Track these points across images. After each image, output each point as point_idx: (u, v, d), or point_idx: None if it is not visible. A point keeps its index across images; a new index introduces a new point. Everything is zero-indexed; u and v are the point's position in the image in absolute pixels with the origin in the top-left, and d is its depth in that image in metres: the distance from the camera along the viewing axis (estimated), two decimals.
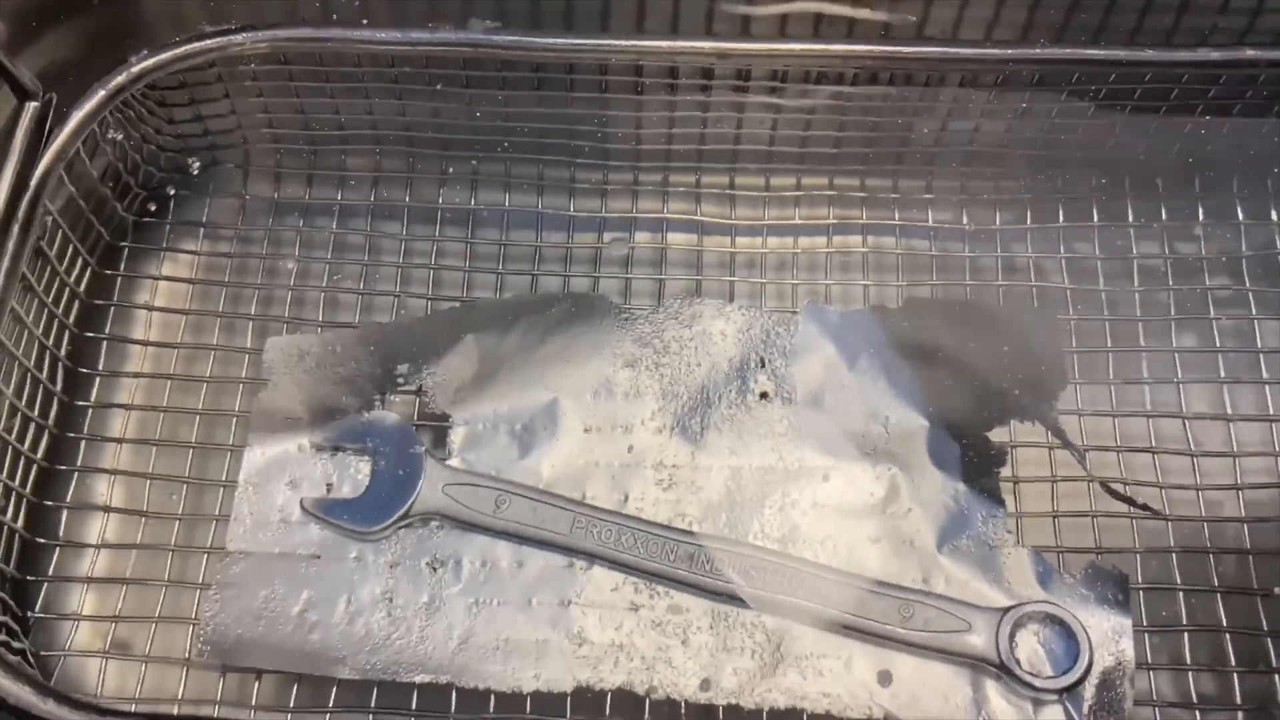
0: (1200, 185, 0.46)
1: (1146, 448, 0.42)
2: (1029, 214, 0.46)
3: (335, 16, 0.42)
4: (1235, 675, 0.39)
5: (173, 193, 0.46)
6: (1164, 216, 0.46)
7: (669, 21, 0.42)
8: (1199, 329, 0.44)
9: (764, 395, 0.43)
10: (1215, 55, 0.42)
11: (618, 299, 0.45)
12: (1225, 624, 0.39)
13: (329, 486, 0.41)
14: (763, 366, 0.43)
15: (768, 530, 0.41)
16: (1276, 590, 0.39)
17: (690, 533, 0.40)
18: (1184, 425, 0.42)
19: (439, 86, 0.44)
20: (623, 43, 0.41)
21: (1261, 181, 0.45)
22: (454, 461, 0.41)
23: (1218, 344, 0.44)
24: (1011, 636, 0.38)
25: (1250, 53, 0.42)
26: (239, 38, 0.40)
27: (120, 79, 0.40)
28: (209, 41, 0.40)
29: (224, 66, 0.42)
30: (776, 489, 0.41)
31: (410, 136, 0.47)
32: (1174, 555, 0.41)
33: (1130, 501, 0.41)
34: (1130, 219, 0.46)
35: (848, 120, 0.46)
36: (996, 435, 0.42)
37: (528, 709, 0.38)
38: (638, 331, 0.44)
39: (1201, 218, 0.46)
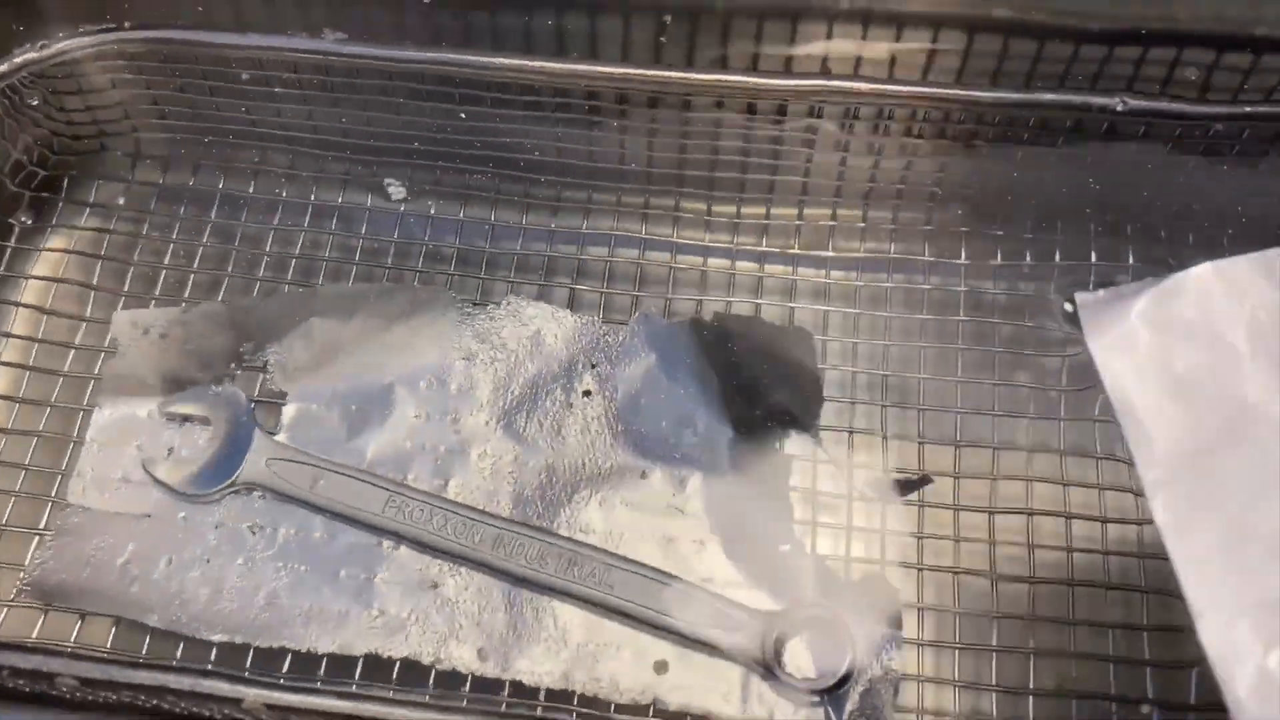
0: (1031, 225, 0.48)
1: (948, 472, 0.44)
2: (862, 243, 0.49)
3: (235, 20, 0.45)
4: (994, 694, 0.40)
5: (64, 174, 0.50)
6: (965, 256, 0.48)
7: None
8: (990, 361, 0.46)
9: (587, 394, 0.45)
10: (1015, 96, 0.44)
11: (462, 295, 0.48)
12: (995, 644, 0.41)
13: (170, 451, 0.44)
14: (590, 369, 0.46)
15: (574, 521, 0.43)
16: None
17: (496, 516, 0.42)
18: (992, 454, 0.44)
19: (308, 91, 0.47)
20: (454, 56, 0.45)
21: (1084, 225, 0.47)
22: (281, 437, 0.44)
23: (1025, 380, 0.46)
24: (781, 638, 0.40)
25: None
26: (112, 36, 0.44)
27: (3, 67, 0.44)
28: (86, 39, 0.44)
29: (105, 61, 0.45)
30: (588, 484, 0.44)
31: (289, 135, 0.50)
32: (957, 576, 0.42)
33: (922, 482, 0.44)
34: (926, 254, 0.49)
35: (690, 145, 0.48)
36: (790, 446, 0.44)
37: (321, 671, 0.40)
38: (477, 327, 0.46)
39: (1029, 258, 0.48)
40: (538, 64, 0.45)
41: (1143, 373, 0.40)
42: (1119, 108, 0.44)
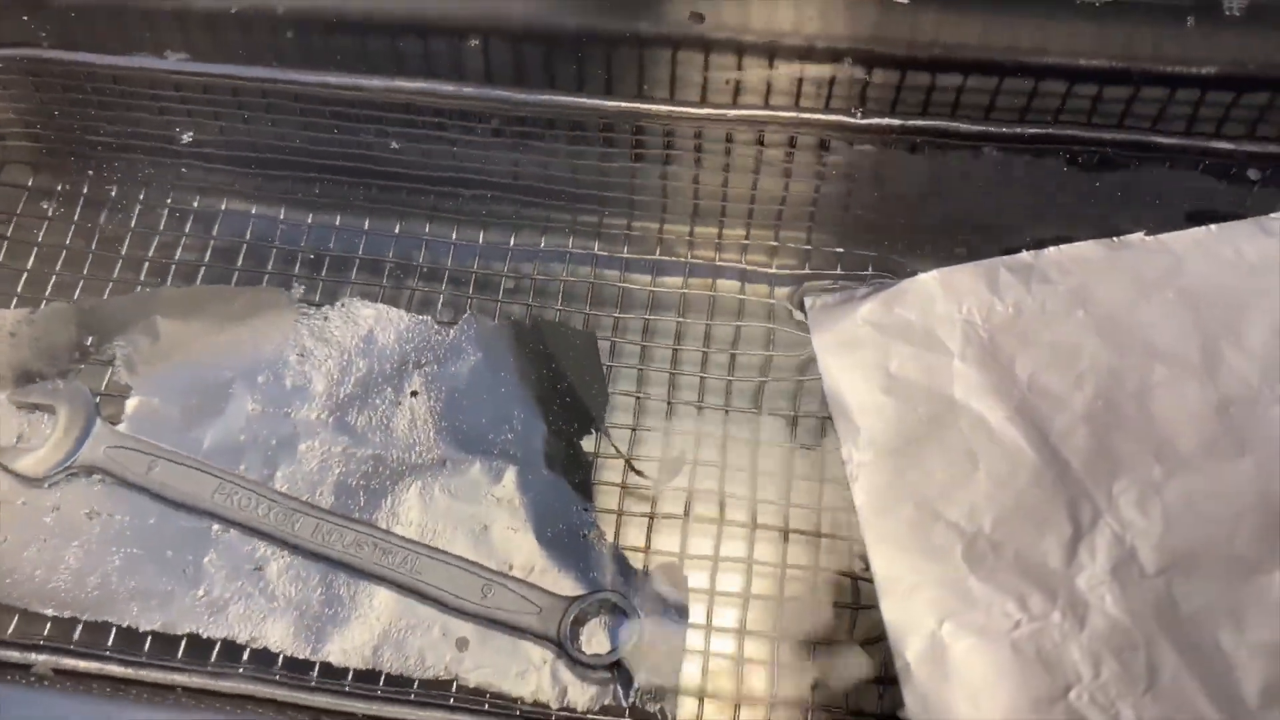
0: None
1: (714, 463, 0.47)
2: (691, 252, 0.52)
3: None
4: (777, 670, 0.43)
5: None
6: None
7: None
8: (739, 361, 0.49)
9: (414, 393, 0.48)
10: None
11: (303, 296, 0.50)
12: (777, 630, 0.44)
13: (19, 438, 0.47)
14: (419, 368, 0.49)
15: (396, 509, 0.46)
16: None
17: (314, 507, 0.45)
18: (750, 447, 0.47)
19: (161, 105, 0.50)
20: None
21: None
22: (123, 427, 0.47)
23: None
24: (576, 620, 0.43)
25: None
26: None
27: None
28: None
29: None
30: (411, 475, 0.46)
31: (150, 146, 0.53)
32: (751, 565, 0.45)
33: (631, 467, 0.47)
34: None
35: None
36: (589, 444, 0.47)
37: (145, 649, 0.43)
38: (314, 327, 0.49)
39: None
40: (379, 82, 0.48)
41: (859, 369, 0.43)
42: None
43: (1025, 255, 0.46)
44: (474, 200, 0.53)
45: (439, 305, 0.51)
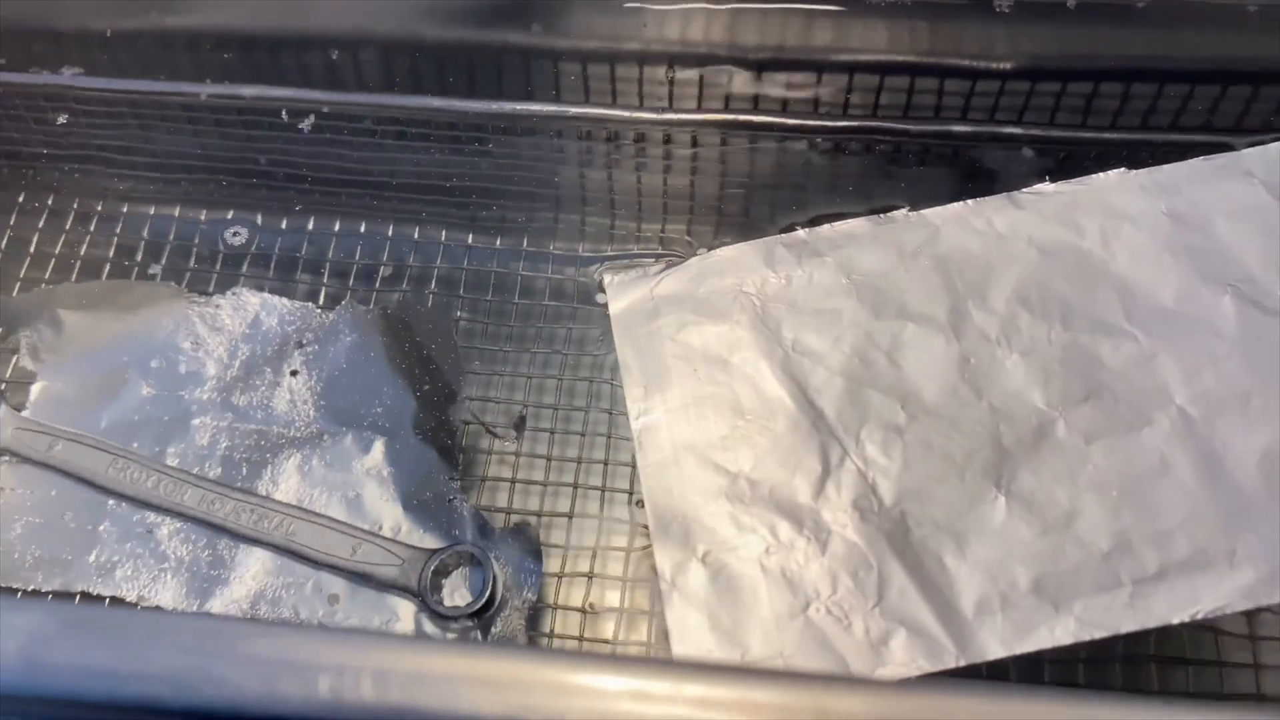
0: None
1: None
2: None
3: None
4: (625, 615, 0.48)
5: None
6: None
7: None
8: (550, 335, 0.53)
9: (294, 372, 0.53)
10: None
11: (196, 288, 0.55)
12: (629, 576, 0.48)
13: None
14: (299, 348, 0.53)
15: (275, 481, 0.50)
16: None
17: (201, 478, 0.50)
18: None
19: (64, 117, 0.55)
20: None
21: None
22: (28, 412, 0.51)
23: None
24: (436, 572, 0.48)
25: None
26: None
27: None
28: None
29: None
30: (290, 448, 0.51)
31: (55, 155, 0.58)
32: (600, 521, 0.50)
33: (489, 430, 0.51)
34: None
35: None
36: (454, 414, 0.51)
37: None
38: (205, 315, 0.54)
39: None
40: (252, 90, 0.53)
41: (648, 338, 0.48)
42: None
43: (800, 233, 0.51)
44: (354, 197, 0.57)
45: (321, 293, 0.55)
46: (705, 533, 0.44)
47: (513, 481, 0.50)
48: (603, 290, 0.52)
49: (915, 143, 0.53)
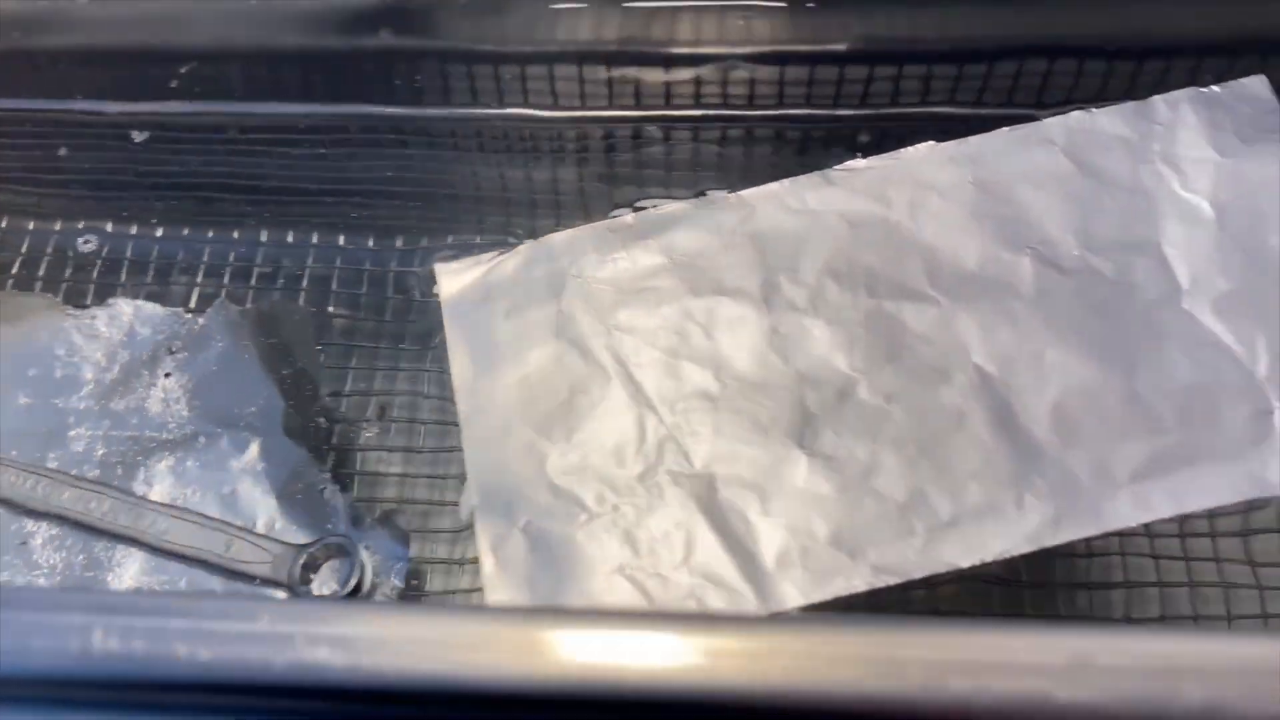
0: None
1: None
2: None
3: None
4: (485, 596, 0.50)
5: None
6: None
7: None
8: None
9: (168, 376, 0.54)
10: None
11: (72, 301, 0.56)
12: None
13: None
14: (171, 354, 0.54)
15: (150, 482, 0.51)
16: None
17: (78, 479, 0.51)
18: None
19: None
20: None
21: None
22: None
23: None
24: (306, 566, 0.49)
25: None
26: None
27: None
28: None
29: None
30: (165, 450, 0.52)
31: None
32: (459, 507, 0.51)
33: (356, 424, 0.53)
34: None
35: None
36: (324, 410, 0.53)
37: None
38: (81, 325, 0.55)
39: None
40: (116, 107, 0.54)
41: (480, 323, 0.50)
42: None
43: (627, 217, 0.53)
44: (227, 203, 0.59)
45: (194, 298, 0.56)
46: (527, 504, 0.46)
47: (379, 475, 0.52)
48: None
49: (740, 128, 0.56)
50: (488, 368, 0.49)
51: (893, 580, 0.43)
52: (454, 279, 0.52)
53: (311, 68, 0.58)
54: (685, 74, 0.55)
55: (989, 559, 0.42)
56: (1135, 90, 0.52)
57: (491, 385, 0.49)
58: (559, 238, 0.52)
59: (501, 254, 0.52)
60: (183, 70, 0.57)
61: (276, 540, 0.50)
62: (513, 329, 0.50)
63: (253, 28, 0.57)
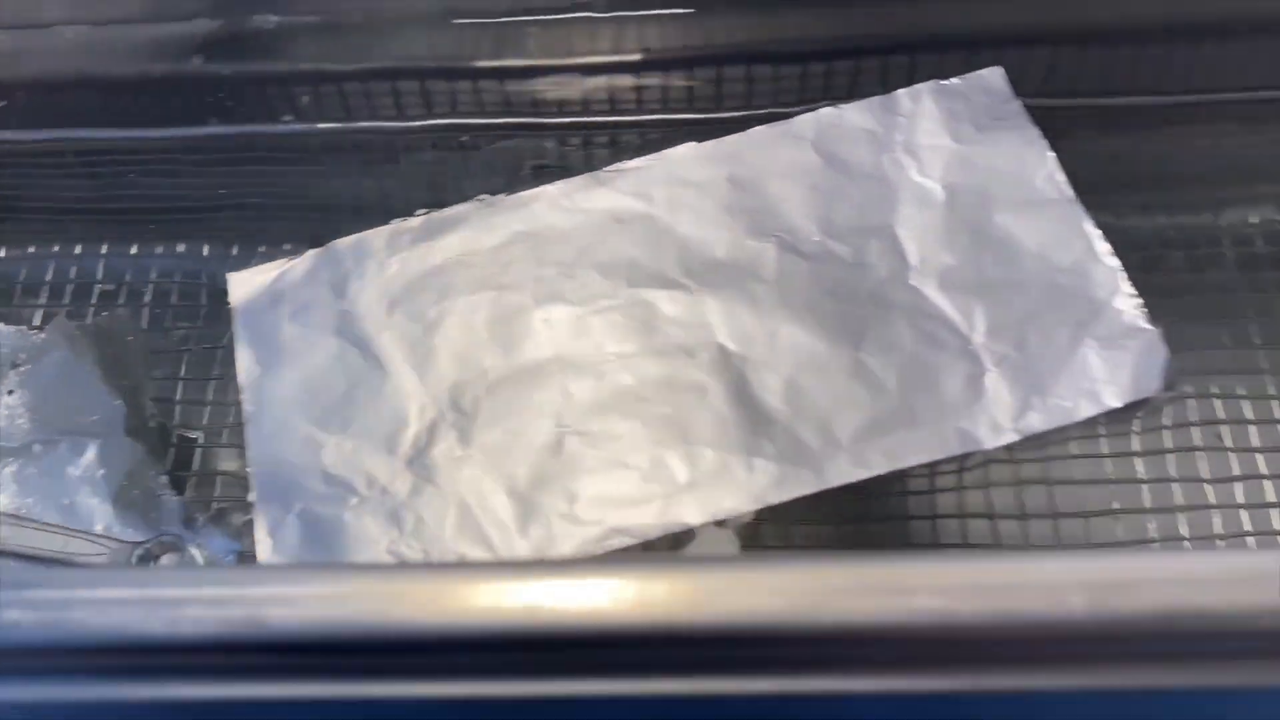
0: None
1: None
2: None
3: None
4: None
5: None
6: None
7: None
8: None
9: (11, 392, 0.57)
10: None
11: None
12: None
13: None
14: (14, 368, 0.58)
15: None
16: None
17: None
18: None
19: None
20: None
21: None
22: None
23: None
24: (141, 559, 0.53)
25: None
26: None
27: None
28: None
29: None
30: (8, 458, 0.56)
31: None
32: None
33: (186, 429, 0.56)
34: None
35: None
36: (159, 416, 0.57)
37: None
38: None
39: None
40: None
41: (265, 323, 0.54)
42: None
43: (414, 220, 0.57)
44: (73, 223, 0.62)
45: (38, 315, 0.60)
46: (302, 492, 0.50)
47: (212, 474, 0.56)
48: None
49: (531, 136, 0.60)
50: (272, 368, 0.53)
51: (628, 541, 0.47)
52: (244, 286, 0.56)
53: (140, 92, 0.61)
54: (490, 85, 0.59)
55: (722, 516, 0.47)
56: (888, 86, 0.57)
57: (275, 384, 0.53)
58: (347, 241, 0.56)
59: (292, 260, 0.56)
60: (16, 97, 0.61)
61: (112, 538, 0.53)
62: (297, 330, 0.54)
63: (79, 57, 0.60)
